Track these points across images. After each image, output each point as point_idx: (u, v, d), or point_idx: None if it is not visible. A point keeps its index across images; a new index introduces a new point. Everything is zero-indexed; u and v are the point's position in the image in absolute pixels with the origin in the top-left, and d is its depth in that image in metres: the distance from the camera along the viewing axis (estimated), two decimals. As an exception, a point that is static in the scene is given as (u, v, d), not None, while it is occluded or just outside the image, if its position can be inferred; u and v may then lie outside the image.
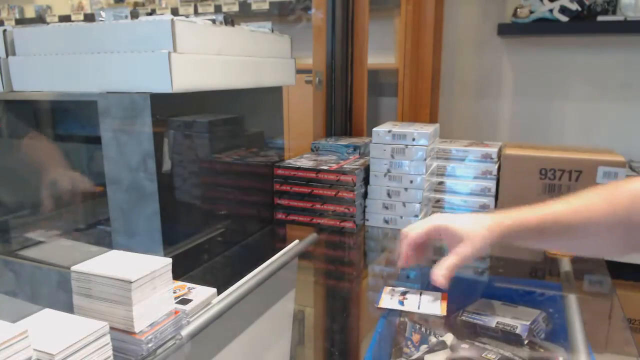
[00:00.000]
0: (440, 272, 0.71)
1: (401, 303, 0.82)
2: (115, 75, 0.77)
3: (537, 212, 0.69)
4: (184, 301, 0.64)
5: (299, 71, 1.16)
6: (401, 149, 1.10)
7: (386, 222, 1.13)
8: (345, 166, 1.12)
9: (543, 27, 1.93)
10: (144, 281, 0.55)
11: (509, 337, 0.77)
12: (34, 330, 0.46)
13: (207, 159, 0.91)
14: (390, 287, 0.86)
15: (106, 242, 0.85)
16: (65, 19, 3.18)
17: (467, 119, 2.26)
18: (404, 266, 0.76)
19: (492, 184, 1.17)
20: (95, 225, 0.98)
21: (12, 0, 3.54)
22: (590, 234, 0.66)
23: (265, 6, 2.50)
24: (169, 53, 0.72)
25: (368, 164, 1.14)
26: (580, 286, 0.88)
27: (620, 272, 1.61)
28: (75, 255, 0.90)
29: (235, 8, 2.57)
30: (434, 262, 1.10)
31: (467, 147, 1.19)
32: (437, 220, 0.74)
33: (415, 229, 0.75)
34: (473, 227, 0.71)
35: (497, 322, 0.79)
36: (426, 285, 0.97)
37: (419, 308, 0.80)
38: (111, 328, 0.51)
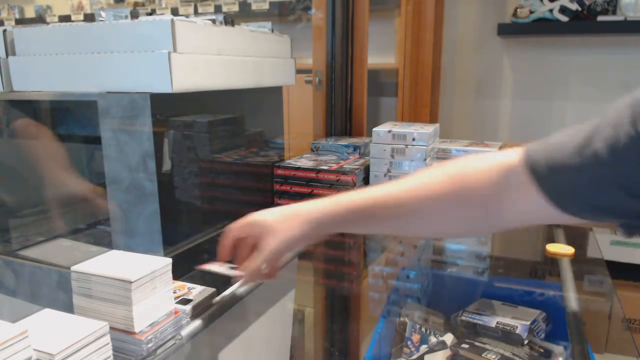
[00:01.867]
0: (246, 276, 0.65)
1: None
2: (115, 75, 0.77)
3: (367, 194, 0.63)
4: (184, 301, 0.64)
5: (299, 71, 1.16)
6: (401, 149, 1.10)
7: (386, 222, 1.13)
8: (345, 166, 1.12)
9: (543, 27, 1.93)
10: (144, 281, 0.55)
11: (509, 337, 0.77)
12: (34, 330, 0.46)
13: (207, 159, 0.91)
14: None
15: (106, 242, 0.85)
16: (65, 19, 3.18)
17: (467, 119, 2.26)
18: (223, 259, 0.68)
19: (492, 184, 1.17)
20: (95, 225, 0.98)
21: (12, 0, 3.54)
22: (426, 213, 0.61)
23: (265, 6, 2.50)
24: (169, 53, 0.72)
25: (368, 164, 1.14)
26: (580, 286, 0.88)
27: (620, 272, 1.61)
28: (75, 255, 0.90)
29: (235, 8, 2.57)
30: (433, 262, 1.10)
31: (467, 147, 1.19)
32: (251, 215, 0.67)
33: (233, 226, 0.68)
34: (279, 219, 0.64)
35: (497, 322, 0.79)
36: (426, 286, 0.97)
37: None
38: (111, 328, 0.51)
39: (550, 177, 0.51)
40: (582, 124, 0.52)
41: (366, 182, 1.14)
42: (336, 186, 1.08)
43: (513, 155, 0.56)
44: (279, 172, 1.12)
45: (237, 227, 0.67)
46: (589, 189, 0.48)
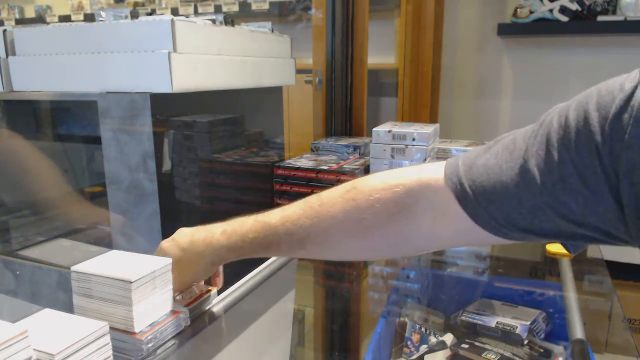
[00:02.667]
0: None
1: None
2: (115, 75, 0.77)
3: (267, 219, 0.60)
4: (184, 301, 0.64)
5: (299, 71, 1.16)
6: (401, 149, 1.10)
7: (386, 222, 1.13)
8: (345, 166, 1.12)
9: (543, 27, 1.93)
10: (144, 281, 0.55)
11: (509, 337, 0.77)
12: (34, 330, 0.46)
13: (207, 159, 0.91)
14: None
15: (106, 242, 0.85)
16: (65, 19, 3.18)
17: (467, 119, 2.27)
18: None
19: (492, 184, 1.16)
20: (95, 225, 0.98)
21: (12, 0, 3.54)
22: (328, 240, 0.57)
23: (265, 6, 2.50)
24: (169, 53, 0.72)
25: (368, 164, 1.14)
26: (580, 286, 0.88)
27: (620, 272, 1.61)
28: (75, 255, 0.90)
29: (235, 8, 2.57)
30: (433, 262, 1.10)
31: (467, 147, 1.19)
32: (160, 245, 0.66)
33: None
34: (181, 256, 0.63)
35: (497, 322, 0.79)
36: (426, 286, 0.97)
37: None
38: (111, 328, 0.51)
39: (481, 205, 0.48)
40: (507, 137, 0.49)
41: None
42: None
43: (429, 173, 0.52)
44: (279, 172, 1.12)
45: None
46: (526, 217, 0.46)
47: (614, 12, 1.86)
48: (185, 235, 0.64)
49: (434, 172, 0.52)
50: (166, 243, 0.65)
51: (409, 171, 0.54)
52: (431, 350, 0.77)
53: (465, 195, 0.48)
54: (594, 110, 0.42)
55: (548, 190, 0.44)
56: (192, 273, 0.64)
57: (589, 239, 0.46)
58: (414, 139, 1.09)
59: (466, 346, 0.75)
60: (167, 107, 0.78)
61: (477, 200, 0.48)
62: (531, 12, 1.92)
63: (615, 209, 0.41)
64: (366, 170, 1.14)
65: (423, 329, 0.81)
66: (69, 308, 0.56)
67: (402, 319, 0.83)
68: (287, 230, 0.58)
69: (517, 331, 0.76)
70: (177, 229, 0.67)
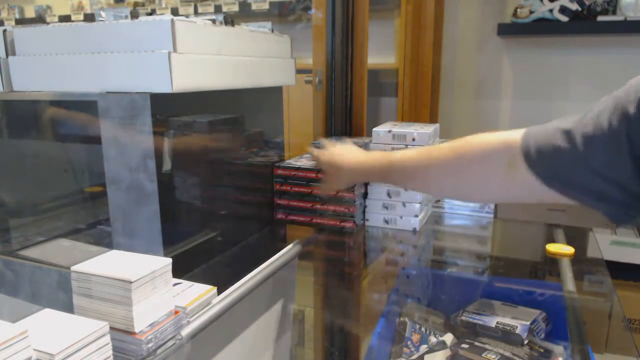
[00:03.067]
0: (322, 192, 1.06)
1: None
2: (115, 75, 0.77)
3: (391, 155, 0.83)
4: (185, 301, 0.64)
5: (299, 71, 1.16)
6: (401, 149, 1.10)
7: (386, 222, 1.13)
8: (345, 166, 1.11)
9: (543, 27, 1.93)
10: (144, 281, 0.55)
11: (509, 337, 0.77)
12: (34, 330, 0.46)
13: (207, 159, 0.91)
14: None
15: (106, 242, 0.85)
16: (65, 19, 3.18)
17: (467, 119, 2.27)
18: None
19: (492, 184, 1.16)
20: (95, 225, 0.98)
21: (12, 0, 3.54)
22: (431, 176, 0.77)
23: (265, 6, 2.50)
24: (169, 53, 0.72)
25: (368, 164, 1.14)
26: (580, 286, 0.88)
27: (620, 272, 1.61)
28: (75, 255, 0.90)
29: (235, 8, 2.57)
30: (433, 261, 1.11)
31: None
32: (335, 157, 0.95)
33: (322, 158, 0.99)
34: (351, 169, 0.92)
35: (497, 322, 0.79)
36: (426, 286, 0.97)
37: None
38: (111, 328, 0.51)
39: (537, 160, 0.61)
40: (575, 116, 0.60)
41: (366, 182, 1.14)
42: (336, 186, 1.08)
43: (515, 135, 0.65)
44: (279, 172, 1.12)
45: (323, 161, 0.99)
46: (571, 171, 0.58)
47: (614, 12, 1.86)
48: (341, 152, 0.95)
49: (515, 135, 0.66)
50: (340, 156, 0.94)
51: (499, 133, 0.69)
52: (431, 350, 0.77)
53: (529, 152, 0.62)
54: (634, 87, 0.53)
55: (585, 147, 0.55)
56: (334, 180, 0.98)
57: (616, 201, 0.56)
58: (414, 139, 1.09)
59: (466, 346, 0.75)
60: (167, 107, 0.78)
61: (536, 156, 0.61)
62: (531, 12, 1.92)
63: (632, 170, 0.52)
64: (366, 170, 1.14)
65: (423, 329, 0.81)
66: (69, 308, 0.56)
67: (402, 319, 0.83)
68: (404, 168, 0.80)
69: (517, 331, 0.76)
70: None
